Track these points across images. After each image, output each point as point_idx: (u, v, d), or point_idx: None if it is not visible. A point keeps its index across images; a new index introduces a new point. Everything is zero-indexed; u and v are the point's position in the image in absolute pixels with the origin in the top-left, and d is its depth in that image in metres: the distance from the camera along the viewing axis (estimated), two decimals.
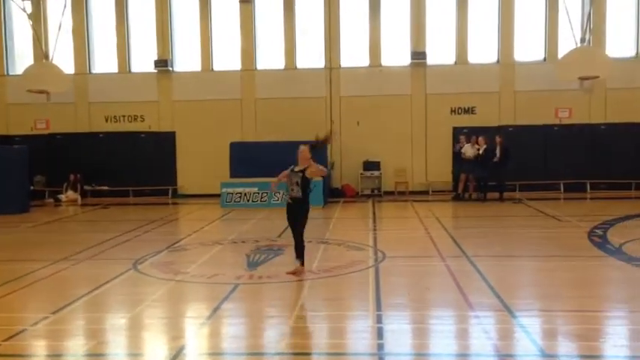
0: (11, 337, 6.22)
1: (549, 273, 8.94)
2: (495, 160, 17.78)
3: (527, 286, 8.33)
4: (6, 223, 14.95)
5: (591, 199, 18.51)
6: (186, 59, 21.41)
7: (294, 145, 17.45)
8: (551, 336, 6.18)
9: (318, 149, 8.81)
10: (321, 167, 8.77)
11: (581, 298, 7.42)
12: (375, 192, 20.25)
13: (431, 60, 20.43)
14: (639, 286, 8.13)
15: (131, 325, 6.74)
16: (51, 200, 20.04)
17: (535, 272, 9.13)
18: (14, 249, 11.77)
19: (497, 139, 17.99)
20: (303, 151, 8.56)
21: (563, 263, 9.55)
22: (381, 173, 20.22)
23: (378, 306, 7.11)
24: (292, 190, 8.48)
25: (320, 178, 8.69)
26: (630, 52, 20.16)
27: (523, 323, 6.36)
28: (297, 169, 8.52)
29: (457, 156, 18.84)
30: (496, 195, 17.85)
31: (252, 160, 18.44)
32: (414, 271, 9.21)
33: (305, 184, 8.48)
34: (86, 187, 20.68)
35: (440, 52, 20.54)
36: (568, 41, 18.75)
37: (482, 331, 6.26)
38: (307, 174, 8.46)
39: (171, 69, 21.21)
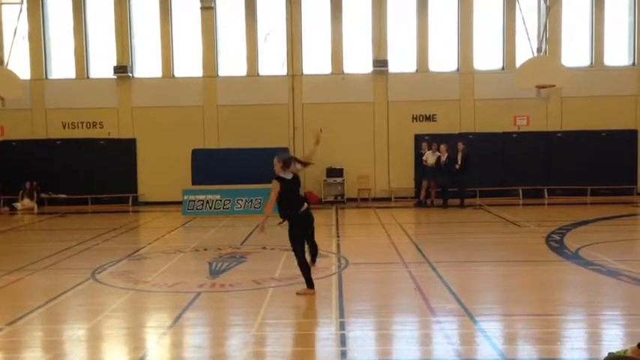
0: None
1: (509, 278, 9.10)
2: (457, 167, 18.04)
3: (487, 291, 8.45)
4: None
5: (549, 204, 18.93)
6: (146, 65, 21.11)
7: (256, 152, 17.45)
8: (511, 340, 6.28)
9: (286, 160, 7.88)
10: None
11: (540, 302, 7.57)
12: (338, 199, 20.31)
13: (392, 68, 20.64)
14: (595, 289, 8.34)
15: (90, 336, 6.59)
16: (6, 209, 19.49)
17: (495, 277, 9.28)
18: None
19: (460, 146, 18.27)
20: (275, 164, 7.78)
21: (522, 268, 9.73)
22: (344, 180, 20.30)
23: (341, 313, 7.11)
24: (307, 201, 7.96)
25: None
26: (585, 62, 20.74)
27: (484, 328, 6.45)
28: (291, 178, 7.74)
29: (419, 163, 19.07)
30: (457, 201, 18.09)
31: (214, 167, 18.29)
32: (377, 278, 9.26)
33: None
34: (43, 195, 20.18)
35: (401, 61, 20.78)
36: (525, 51, 19.18)
37: (444, 336, 6.33)
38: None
39: (131, 75, 20.89)
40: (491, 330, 6.42)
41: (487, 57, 20.79)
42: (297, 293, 7.92)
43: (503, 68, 20.68)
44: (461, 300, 7.50)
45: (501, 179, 20.21)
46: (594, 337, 6.40)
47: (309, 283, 7.90)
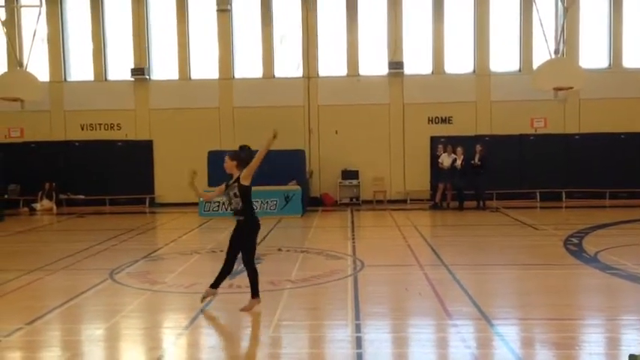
0: None
1: (526, 281, 9.03)
2: (475, 164, 17.89)
3: (504, 295, 8.39)
4: None
5: (567, 207, 18.76)
6: (163, 68, 21.28)
7: (271, 154, 17.46)
8: (528, 344, 6.23)
9: (246, 157, 7.46)
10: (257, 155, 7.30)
11: (558, 306, 7.50)
12: (354, 201, 20.30)
13: (408, 70, 20.59)
14: (615, 294, 8.25)
15: (107, 336, 6.64)
16: (26, 209, 19.72)
17: (512, 280, 9.21)
18: None
19: (478, 147, 18.17)
20: (225, 161, 7.48)
21: (539, 271, 9.66)
22: (359, 182, 20.28)
23: (357, 315, 7.10)
24: (231, 203, 7.36)
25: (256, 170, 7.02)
26: (603, 64, 20.55)
27: (501, 332, 6.41)
28: (230, 182, 7.42)
29: (435, 165, 18.99)
30: (473, 204, 18.00)
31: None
32: (392, 280, 9.23)
33: (244, 192, 7.28)
34: (61, 196, 20.39)
35: (417, 62, 20.73)
36: (542, 52, 19.05)
37: (461, 339, 6.29)
38: (242, 179, 7.28)
39: (148, 77, 21.06)
40: (508, 334, 6.38)
41: (504, 59, 20.68)
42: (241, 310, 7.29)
43: (520, 70, 20.56)
44: (477, 303, 7.45)
45: (518, 182, 20.07)
46: (613, 342, 6.33)
47: (254, 292, 7.34)
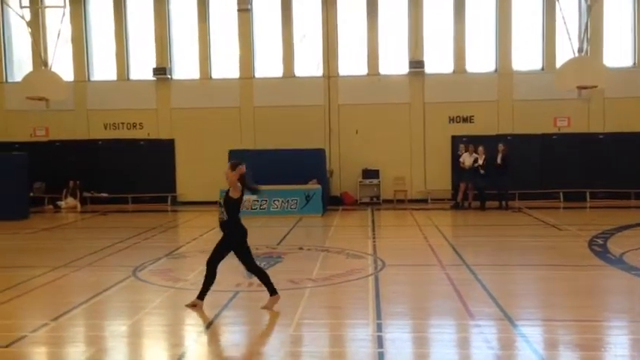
0: (11, 343, 6.21)
1: (550, 282, 8.94)
2: (497, 164, 17.75)
3: (527, 295, 8.31)
4: (5, 229, 14.89)
5: (591, 208, 18.51)
6: (184, 67, 21.42)
7: (292, 153, 17.50)
8: (552, 346, 6.17)
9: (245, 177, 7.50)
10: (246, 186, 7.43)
11: (582, 307, 7.41)
12: (374, 200, 20.25)
13: (429, 69, 20.47)
14: None
15: (131, 332, 6.72)
16: (50, 207, 20.00)
17: (535, 281, 9.12)
18: (14, 255, 11.74)
19: (500, 146, 18.00)
20: (226, 171, 7.48)
21: (563, 272, 9.55)
22: (380, 181, 20.22)
23: (378, 314, 7.09)
24: (219, 212, 7.52)
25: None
26: (628, 62, 20.24)
27: (524, 332, 6.36)
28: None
29: (456, 165, 18.87)
30: (495, 204, 17.86)
31: (250, 167, 18.36)
32: (413, 280, 9.20)
33: (230, 205, 7.37)
34: (85, 194, 20.64)
35: (438, 61, 20.58)
36: (566, 51, 18.82)
37: (484, 340, 6.25)
38: (230, 191, 7.40)
39: (169, 77, 21.21)
40: (532, 335, 6.32)
41: (526, 57, 20.44)
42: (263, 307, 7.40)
43: (543, 69, 20.32)
44: (500, 304, 7.40)
45: (541, 182, 19.85)
46: (639, 344, 6.25)
47: (271, 291, 7.50)
